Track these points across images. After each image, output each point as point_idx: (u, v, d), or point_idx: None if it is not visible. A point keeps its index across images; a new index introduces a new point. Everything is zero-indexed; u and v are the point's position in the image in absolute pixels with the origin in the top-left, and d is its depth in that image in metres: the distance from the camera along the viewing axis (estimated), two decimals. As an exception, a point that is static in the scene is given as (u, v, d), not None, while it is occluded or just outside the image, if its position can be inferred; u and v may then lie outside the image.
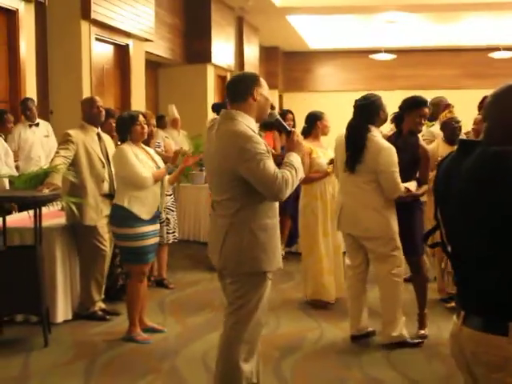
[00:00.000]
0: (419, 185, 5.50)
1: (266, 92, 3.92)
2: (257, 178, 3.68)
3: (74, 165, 6.09)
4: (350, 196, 5.41)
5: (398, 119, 5.57)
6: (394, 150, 5.23)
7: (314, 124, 6.82)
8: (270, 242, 3.85)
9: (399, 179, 5.21)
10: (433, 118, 7.70)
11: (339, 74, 21.61)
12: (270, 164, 3.68)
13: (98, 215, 6.19)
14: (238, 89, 3.88)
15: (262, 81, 3.93)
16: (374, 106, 5.32)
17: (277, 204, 3.93)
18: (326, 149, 6.84)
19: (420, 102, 5.50)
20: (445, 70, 20.49)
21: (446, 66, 20.50)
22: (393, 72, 20.40)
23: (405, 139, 5.47)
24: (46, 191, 5.52)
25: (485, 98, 6.25)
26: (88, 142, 6.19)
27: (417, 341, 5.53)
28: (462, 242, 2.44)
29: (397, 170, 5.19)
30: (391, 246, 5.34)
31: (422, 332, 5.71)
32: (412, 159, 5.47)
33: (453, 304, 6.29)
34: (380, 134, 5.36)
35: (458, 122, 6.70)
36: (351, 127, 5.39)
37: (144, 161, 5.59)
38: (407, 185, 5.32)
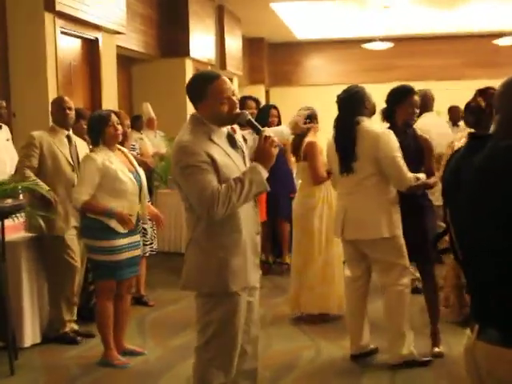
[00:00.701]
0: (428, 177, 5.44)
1: (216, 99, 3.80)
2: (187, 191, 3.76)
3: (40, 169, 6.07)
4: (352, 198, 5.37)
5: (388, 113, 5.57)
6: (392, 133, 5.23)
7: (315, 120, 6.82)
8: (231, 260, 3.81)
9: (405, 166, 5.16)
10: (420, 111, 7.61)
11: (330, 66, 21.61)
12: (202, 178, 3.65)
13: (67, 224, 6.15)
14: (189, 98, 3.93)
15: (214, 86, 3.80)
16: (357, 97, 5.37)
17: (239, 217, 3.84)
18: None
19: (408, 91, 5.54)
20: (446, 59, 20.52)
21: (448, 54, 20.52)
22: (389, 62, 20.41)
23: (402, 132, 5.44)
24: None
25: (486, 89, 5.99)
26: (56, 145, 6.17)
27: (426, 359, 5.47)
28: (472, 239, 2.42)
29: (399, 154, 5.16)
30: (396, 250, 5.30)
31: (437, 350, 5.64)
32: (415, 151, 5.45)
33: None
34: (372, 124, 5.36)
35: None
36: (338, 122, 5.41)
37: (119, 169, 5.51)
38: (416, 175, 5.25)
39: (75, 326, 6.34)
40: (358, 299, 5.59)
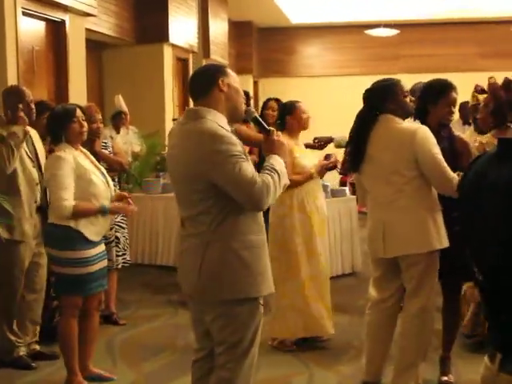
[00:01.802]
0: None
1: (235, 84, 4.02)
2: (232, 183, 3.77)
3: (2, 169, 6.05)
4: (392, 208, 5.24)
5: (419, 113, 5.50)
6: (426, 128, 5.15)
7: (284, 119, 6.73)
8: (257, 262, 3.92)
9: (445, 164, 5.06)
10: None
11: (328, 54, 21.64)
12: (248, 167, 3.77)
13: (32, 229, 6.10)
14: (201, 80, 4.02)
15: (230, 72, 4.06)
16: (380, 91, 5.27)
17: (261, 218, 4.01)
18: (305, 148, 6.95)
19: (445, 87, 5.46)
20: (458, 48, 20.62)
21: (461, 43, 20.62)
22: (394, 51, 20.49)
23: (437, 134, 5.28)
24: None
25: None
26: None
27: None
28: (494, 256, 2.42)
29: (438, 152, 5.07)
30: (434, 266, 5.23)
31: (445, 379, 5.62)
32: (452, 154, 5.36)
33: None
34: (401, 121, 5.26)
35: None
36: (356, 117, 5.38)
37: (91, 171, 5.51)
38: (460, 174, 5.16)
39: (37, 347, 6.34)
40: (386, 321, 5.47)
